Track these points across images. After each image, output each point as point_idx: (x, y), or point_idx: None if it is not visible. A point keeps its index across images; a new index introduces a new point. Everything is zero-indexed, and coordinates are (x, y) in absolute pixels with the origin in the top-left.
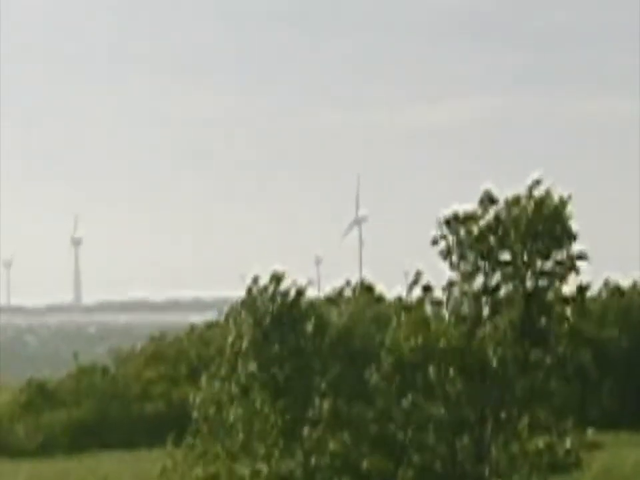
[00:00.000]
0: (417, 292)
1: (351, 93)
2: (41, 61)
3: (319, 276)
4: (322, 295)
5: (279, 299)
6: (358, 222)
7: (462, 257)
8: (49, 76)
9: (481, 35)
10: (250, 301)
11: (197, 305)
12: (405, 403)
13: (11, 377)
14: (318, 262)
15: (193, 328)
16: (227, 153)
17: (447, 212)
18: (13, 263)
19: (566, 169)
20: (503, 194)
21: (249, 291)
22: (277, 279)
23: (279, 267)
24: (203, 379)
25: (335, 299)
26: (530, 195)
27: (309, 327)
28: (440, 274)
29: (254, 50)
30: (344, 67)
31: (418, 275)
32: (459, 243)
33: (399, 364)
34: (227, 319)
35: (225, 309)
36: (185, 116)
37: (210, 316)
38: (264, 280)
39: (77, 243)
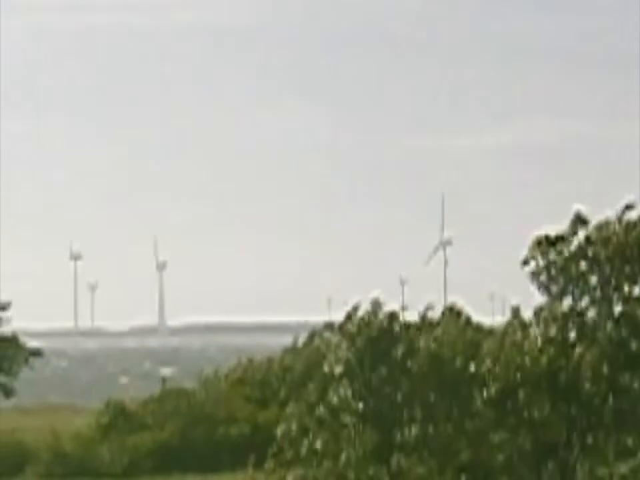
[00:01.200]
0: (504, 316)
1: (438, 115)
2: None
3: (403, 297)
4: (409, 318)
5: (374, 326)
6: (443, 244)
7: (551, 279)
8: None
9: (576, 57)
10: (347, 328)
11: (282, 329)
12: (502, 430)
13: (91, 400)
14: (403, 283)
15: (278, 352)
16: (305, 180)
17: (538, 234)
18: (98, 286)
19: None
20: (595, 216)
21: (348, 316)
22: (376, 305)
23: (374, 294)
24: (291, 404)
25: (424, 324)
26: (621, 219)
27: (400, 352)
28: (528, 295)
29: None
30: (432, 91)
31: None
32: (549, 265)
33: (504, 389)
34: (313, 344)
35: (308, 333)
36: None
37: (296, 340)
38: (360, 306)
39: (161, 267)
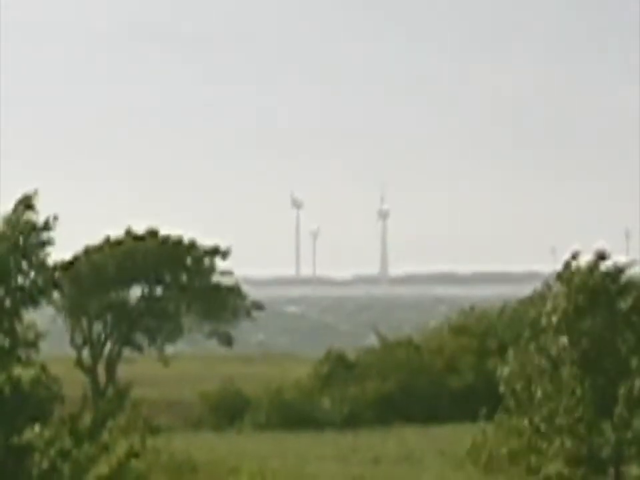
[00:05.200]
0: None
1: None
2: None
3: (628, 249)
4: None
5: (597, 275)
6: None
7: None
8: None
9: None
10: (567, 275)
11: (505, 278)
12: None
13: (312, 349)
14: (627, 235)
15: (502, 302)
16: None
17: None
18: (319, 234)
19: None
20: None
21: (567, 265)
22: (601, 256)
23: (601, 244)
24: (511, 353)
25: None
26: None
27: (626, 304)
28: None
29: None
30: None
31: None
32: None
33: None
34: (539, 294)
35: (536, 283)
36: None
37: (520, 289)
38: (584, 256)
39: (384, 215)
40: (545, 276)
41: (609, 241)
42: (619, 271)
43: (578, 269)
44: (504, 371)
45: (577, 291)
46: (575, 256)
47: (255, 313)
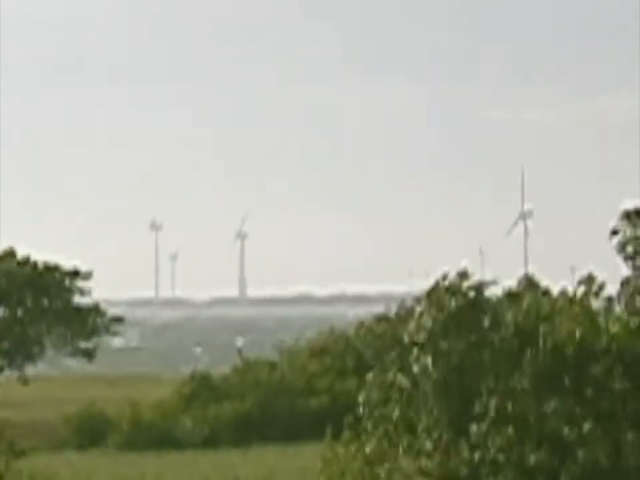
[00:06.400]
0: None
1: (518, 89)
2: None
3: (484, 270)
4: (492, 290)
5: (460, 295)
6: (523, 216)
7: (637, 251)
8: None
9: None
10: (432, 295)
11: (362, 300)
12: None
13: (171, 371)
14: (482, 256)
15: (360, 321)
16: (388, 151)
17: (626, 206)
18: (179, 256)
19: None
20: None
21: (436, 284)
22: (463, 275)
23: (461, 264)
24: (371, 373)
25: (508, 296)
26: None
27: (485, 323)
28: (609, 269)
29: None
30: (511, 66)
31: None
32: (637, 237)
33: (584, 361)
34: (397, 314)
35: (391, 304)
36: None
37: (387, 309)
38: (450, 276)
39: (242, 237)
40: (400, 297)
41: (465, 261)
42: (479, 290)
43: (442, 288)
44: (363, 391)
45: (440, 310)
46: (445, 276)
47: (116, 327)
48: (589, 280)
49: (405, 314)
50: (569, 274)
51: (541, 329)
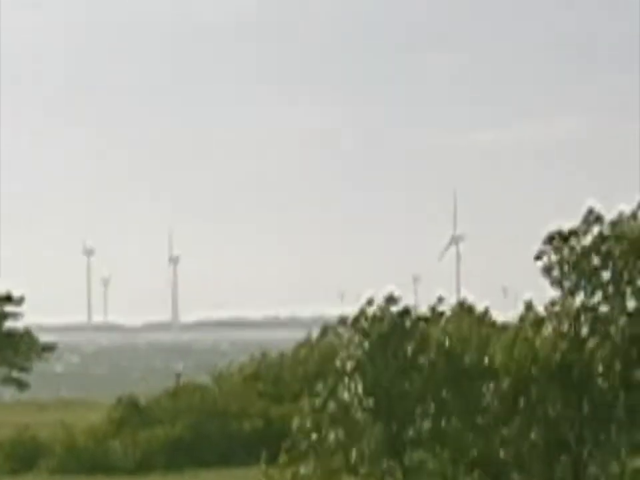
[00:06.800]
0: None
1: (454, 112)
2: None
3: (417, 294)
4: (423, 313)
5: (386, 321)
6: (455, 240)
7: (564, 274)
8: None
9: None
10: (360, 322)
11: (294, 323)
12: (512, 425)
13: (104, 395)
14: (416, 280)
15: (291, 347)
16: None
17: (551, 229)
18: (111, 281)
19: None
20: (609, 212)
21: (362, 311)
22: (391, 300)
23: (388, 288)
24: (304, 399)
25: (434, 317)
26: (636, 215)
27: (411, 348)
28: (541, 291)
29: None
30: (449, 87)
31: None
32: (562, 260)
33: (516, 384)
34: (326, 338)
35: (321, 328)
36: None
37: (309, 334)
38: (374, 300)
39: (174, 261)
40: (333, 319)
41: (398, 285)
42: (405, 314)
43: (369, 314)
44: (296, 418)
45: (367, 337)
46: (370, 302)
47: (47, 355)
48: (527, 306)
49: (326, 340)
50: (501, 294)
51: (471, 356)
